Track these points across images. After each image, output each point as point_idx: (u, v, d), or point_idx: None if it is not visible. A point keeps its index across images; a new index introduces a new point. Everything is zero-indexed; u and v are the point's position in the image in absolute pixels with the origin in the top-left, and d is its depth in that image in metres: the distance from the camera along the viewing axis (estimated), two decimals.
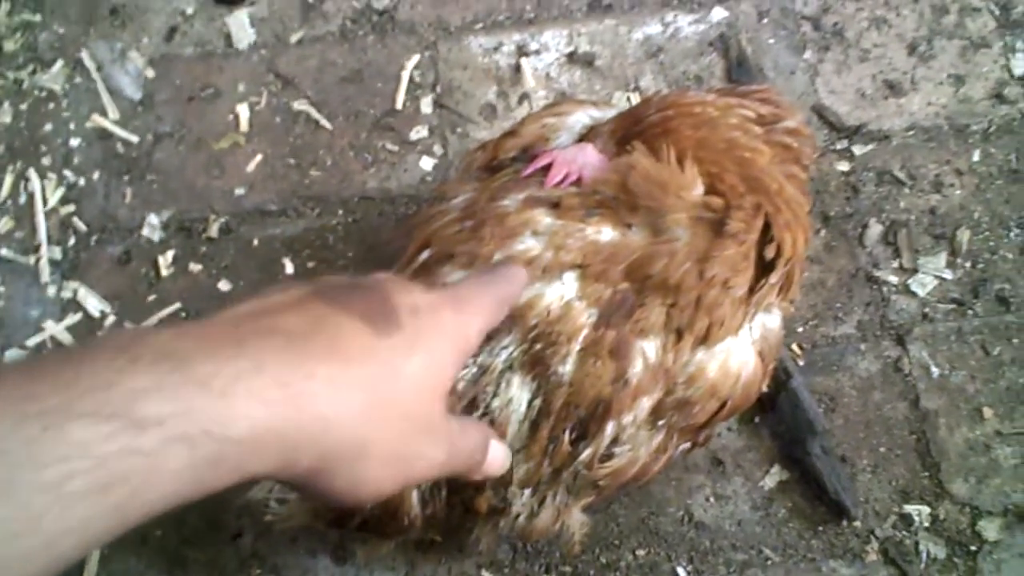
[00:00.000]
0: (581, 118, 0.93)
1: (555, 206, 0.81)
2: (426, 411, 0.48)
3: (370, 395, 0.44)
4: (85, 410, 0.34)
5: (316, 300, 0.46)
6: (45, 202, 1.26)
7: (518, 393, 0.80)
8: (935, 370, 1.20)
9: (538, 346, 0.79)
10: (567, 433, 0.82)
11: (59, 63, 1.32)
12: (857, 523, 1.13)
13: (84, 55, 1.32)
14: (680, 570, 1.11)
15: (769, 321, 0.90)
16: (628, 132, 0.86)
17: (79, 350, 0.38)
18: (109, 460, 0.34)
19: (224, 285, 1.22)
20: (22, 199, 1.26)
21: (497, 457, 0.59)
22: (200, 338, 0.40)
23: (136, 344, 0.38)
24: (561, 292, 0.79)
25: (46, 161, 1.27)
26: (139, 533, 1.11)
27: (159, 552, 1.11)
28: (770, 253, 0.83)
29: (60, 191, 1.26)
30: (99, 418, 0.34)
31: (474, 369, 0.80)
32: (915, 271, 1.25)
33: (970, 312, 1.23)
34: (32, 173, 1.27)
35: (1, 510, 0.32)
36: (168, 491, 0.37)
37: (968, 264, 1.25)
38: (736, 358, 0.86)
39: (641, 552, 1.11)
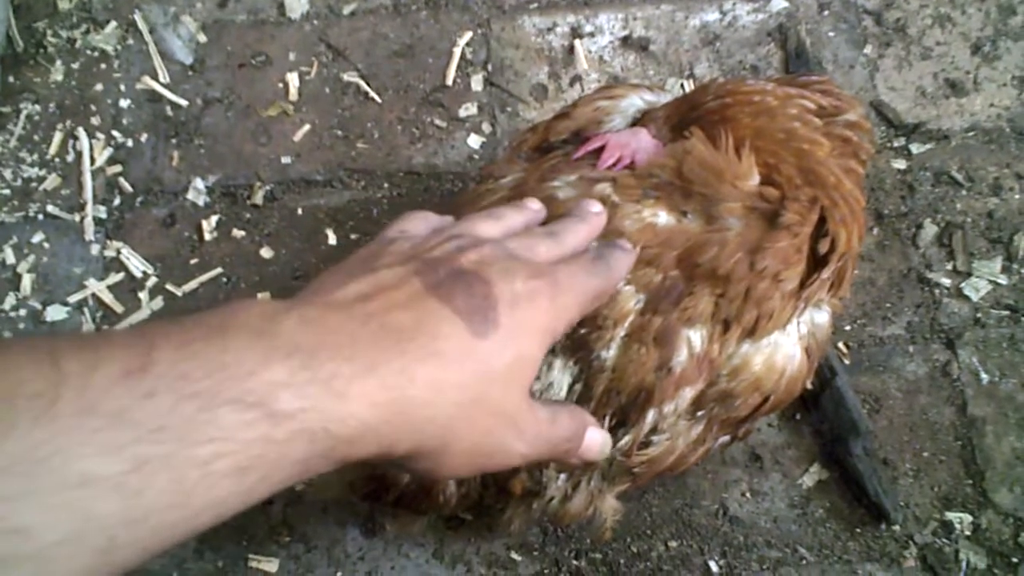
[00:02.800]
0: (635, 102, 0.92)
1: (612, 182, 0.80)
2: (512, 406, 0.51)
3: (464, 396, 0.47)
4: (232, 396, 0.38)
5: (420, 289, 0.49)
6: (92, 161, 1.26)
7: (559, 377, 0.79)
8: (984, 376, 1.17)
9: (583, 330, 0.78)
10: (607, 419, 0.81)
11: (112, 24, 1.32)
12: (896, 527, 1.10)
13: (137, 17, 1.32)
14: (712, 564, 1.09)
15: (818, 317, 0.88)
16: (684, 118, 0.85)
17: (220, 325, 0.42)
18: (249, 445, 0.38)
19: (266, 252, 1.22)
20: (70, 157, 1.27)
21: (595, 442, 0.61)
22: (323, 331, 0.44)
23: (270, 332, 0.42)
24: None
25: (95, 121, 1.28)
26: None
27: None
28: (823, 248, 0.81)
29: (108, 151, 1.27)
30: (243, 406, 0.38)
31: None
32: (969, 275, 1.21)
33: (1023, 319, 1.19)
34: (81, 132, 1.27)
35: (162, 479, 0.36)
36: (288, 476, 0.41)
37: (1023, 270, 1.22)
38: (782, 353, 0.84)
39: (673, 543, 1.10)
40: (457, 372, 0.47)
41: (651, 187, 0.79)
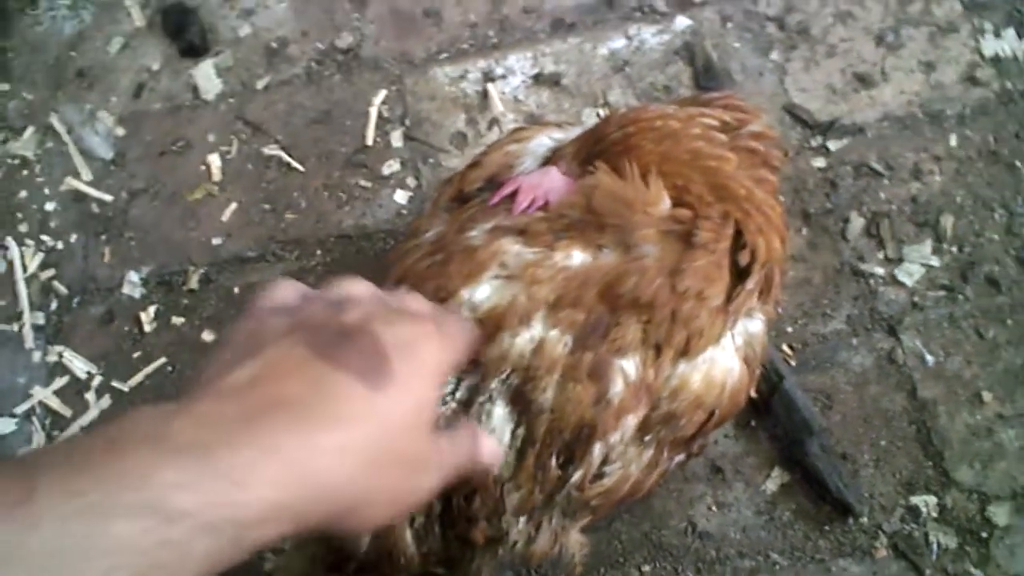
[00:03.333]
0: (544, 141, 0.93)
1: (522, 233, 0.81)
2: (417, 448, 0.52)
3: (370, 454, 0.47)
4: (124, 505, 0.38)
5: (311, 357, 0.49)
6: (25, 268, 1.26)
7: (500, 424, 0.79)
8: (930, 358, 1.19)
9: (516, 382, 0.78)
10: (554, 458, 0.81)
11: (30, 129, 1.33)
12: (863, 520, 1.11)
13: (54, 119, 1.33)
14: None
15: (752, 326, 0.89)
16: (591, 152, 0.86)
17: (110, 437, 0.41)
18: (147, 552, 0.37)
19: (208, 335, 1.22)
20: (2, 268, 1.26)
21: (489, 451, 0.62)
22: (217, 423, 0.44)
23: (161, 436, 0.41)
24: (531, 334, 0.78)
25: (23, 228, 1.28)
26: None
27: None
28: (744, 259, 0.82)
29: (39, 256, 1.27)
30: (138, 514, 0.38)
31: (454, 405, 0.79)
32: (901, 261, 1.24)
33: (961, 297, 1.22)
34: (10, 241, 1.27)
35: None
36: (195, 572, 0.39)
37: (954, 249, 1.24)
38: (720, 367, 0.85)
39: (647, 567, 1.10)
40: (362, 432, 0.48)
41: (563, 228, 0.80)
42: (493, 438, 0.66)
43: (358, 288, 0.60)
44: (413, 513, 0.83)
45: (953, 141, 1.30)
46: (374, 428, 0.48)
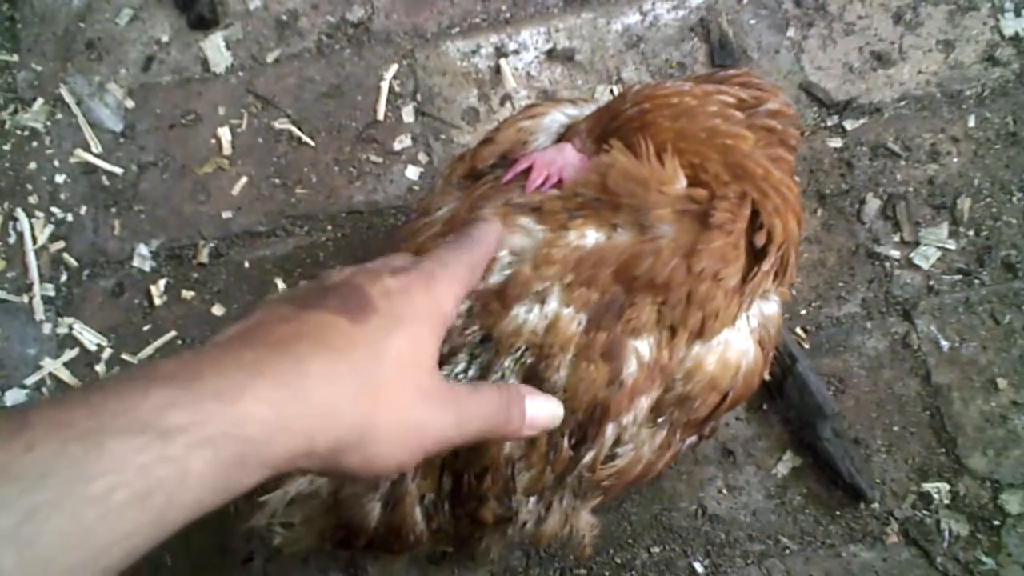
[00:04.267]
0: (557, 118, 0.92)
1: (536, 211, 0.80)
2: (418, 383, 0.52)
3: (362, 377, 0.49)
4: (118, 427, 0.38)
5: (295, 310, 0.51)
6: (35, 240, 1.25)
7: None
8: (945, 343, 1.18)
9: (530, 359, 0.78)
10: (566, 439, 0.80)
11: (39, 101, 1.31)
12: (875, 505, 1.11)
13: (63, 91, 1.32)
14: (697, 565, 1.09)
15: (767, 308, 0.88)
16: (606, 128, 0.85)
17: (101, 381, 0.44)
18: (145, 469, 0.38)
19: (217, 310, 1.22)
20: (12, 239, 1.26)
21: (541, 409, 0.63)
22: (203, 362, 0.44)
23: (150, 372, 0.43)
24: (545, 311, 0.77)
25: (33, 199, 1.27)
26: (151, 562, 1.11)
27: None
28: (760, 240, 0.81)
29: (49, 228, 1.26)
30: (131, 433, 0.38)
31: (465, 382, 0.79)
32: (917, 244, 1.22)
33: (977, 281, 1.20)
34: (20, 212, 1.26)
35: (56, 524, 0.35)
36: (200, 494, 0.40)
37: (971, 232, 1.23)
38: (734, 349, 0.84)
39: (656, 549, 1.10)
40: (349, 359, 0.49)
41: (576, 207, 0.79)
42: (550, 398, 0.64)
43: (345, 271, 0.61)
44: (423, 491, 0.82)
45: (971, 122, 1.28)
46: (361, 356, 0.49)
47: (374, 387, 0.49)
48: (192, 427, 0.40)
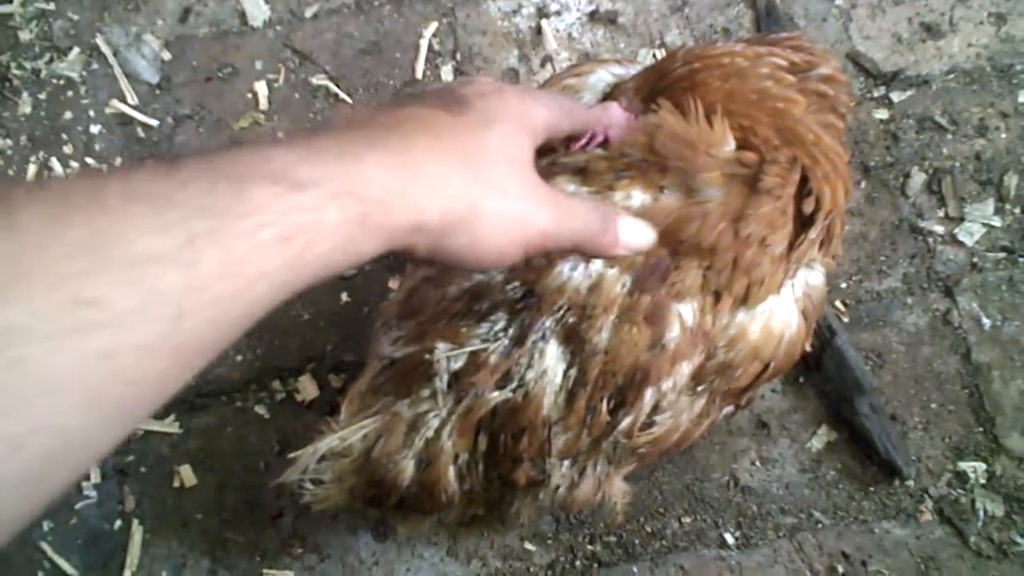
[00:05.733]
0: (604, 76, 0.90)
1: (580, 172, 0.78)
2: (519, 176, 0.55)
3: (464, 158, 0.52)
4: (258, 175, 0.42)
5: (396, 105, 0.54)
6: None
7: (553, 364, 0.78)
8: (986, 321, 1.15)
9: (571, 319, 0.76)
10: (605, 402, 0.79)
11: (75, 50, 1.31)
12: (910, 482, 1.09)
13: (100, 41, 1.31)
14: (728, 536, 1.08)
15: (812, 278, 0.86)
16: (654, 88, 0.83)
17: (229, 144, 0.47)
18: (285, 214, 0.41)
19: None
20: None
21: (633, 231, 0.66)
22: (320, 135, 0.48)
23: (272, 140, 0.46)
24: (590, 270, 0.76)
25: (67, 149, 1.26)
26: (180, 517, 1.11)
27: (200, 536, 1.11)
28: (808, 207, 0.79)
29: None
30: (270, 181, 0.41)
31: (506, 342, 0.78)
32: (962, 219, 1.20)
33: (1021, 259, 1.18)
34: (55, 162, 1.26)
35: (212, 252, 0.38)
36: (331, 246, 0.44)
37: (1017, 210, 1.20)
38: (779, 318, 0.83)
39: (687, 519, 1.09)
40: (449, 141, 0.52)
41: (623, 168, 0.77)
42: (643, 224, 0.68)
43: None
44: (457, 450, 0.82)
45: (1021, 97, 1.25)
46: (463, 141, 0.53)
47: (477, 171, 0.52)
48: (322, 182, 0.43)
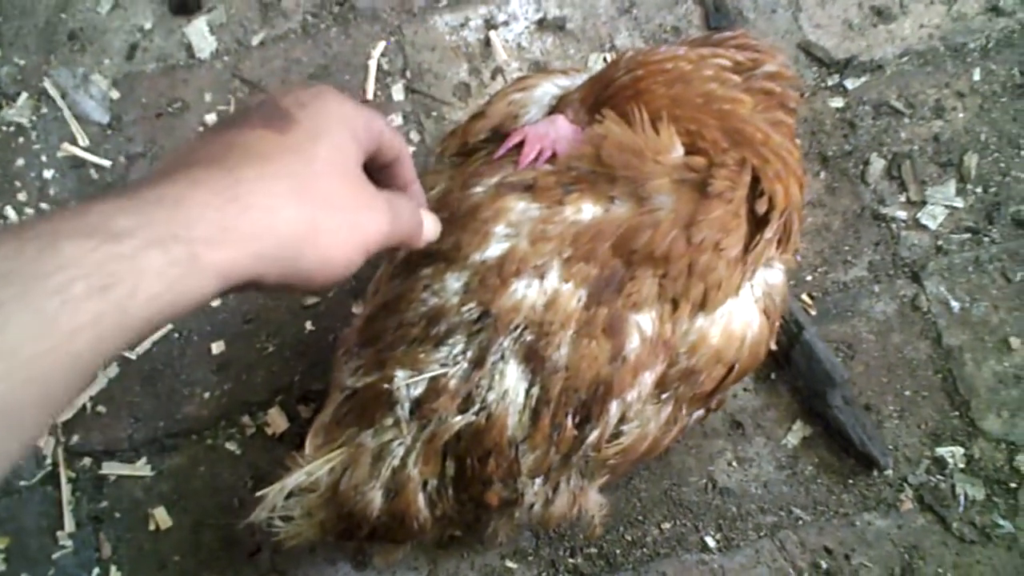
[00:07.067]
0: (549, 89, 0.89)
1: (529, 189, 0.78)
2: (351, 184, 0.56)
3: (295, 179, 0.51)
4: (70, 231, 0.41)
5: (221, 131, 0.54)
6: None
7: (514, 384, 0.77)
8: (955, 304, 1.15)
9: (529, 337, 0.76)
10: (570, 418, 0.79)
11: (23, 95, 1.29)
12: (888, 472, 1.09)
13: (47, 84, 1.29)
14: (709, 539, 1.07)
15: (771, 276, 0.86)
16: (598, 98, 0.82)
17: (52, 211, 0.46)
18: (100, 265, 0.41)
19: (214, 301, 1.19)
20: None
21: (430, 222, 0.68)
22: (140, 184, 0.47)
23: (90, 201, 0.45)
24: (545, 286, 0.75)
25: (22, 196, 1.25)
26: (158, 560, 1.10)
27: None
28: (762, 207, 0.79)
29: None
30: (82, 235, 0.41)
31: (465, 365, 0.77)
32: (924, 203, 1.19)
33: (986, 239, 1.18)
34: (9, 210, 1.24)
35: (22, 315, 0.38)
36: (160, 289, 0.43)
37: (979, 189, 1.20)
38: (739, 320, 0.83)
39: (667, 525, 1.08)
40: (279, 164, 0.51)
41: (571, 181, 0.77)
42: (430, 215, 0.69)
43: None
44: (425, 476, 0.81)
45: (976, 75, 1.24)
46: (292, 160, 0.52)
47: (310, 189, 0.52)
48: (139, 229, 0.43)
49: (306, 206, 0.51)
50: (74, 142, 1.27)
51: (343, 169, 0.55)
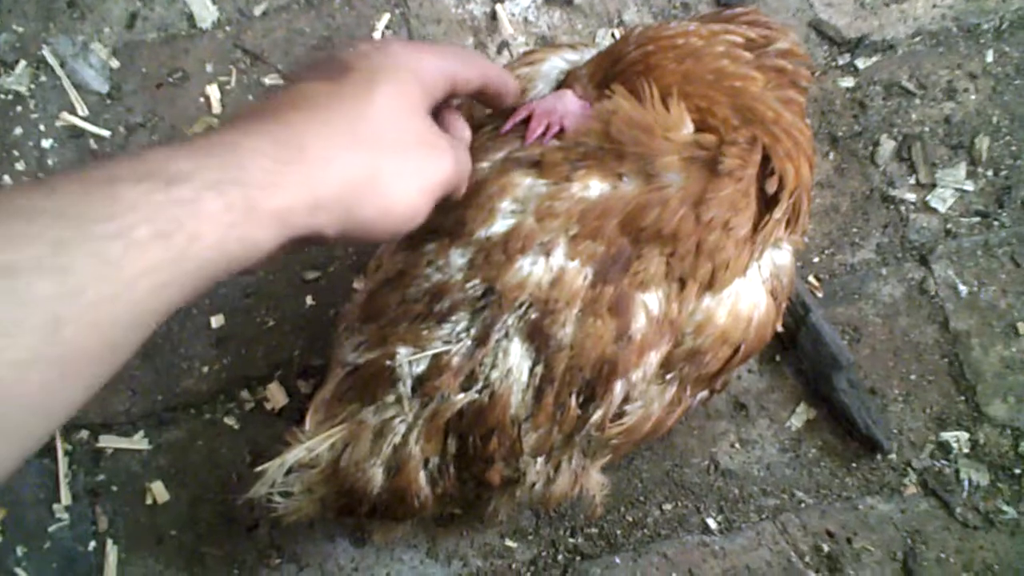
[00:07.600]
0: (557, 64, 0.88)
1: (536, 165, 0.76)
2: (412, 127, 0.55)
3: (352, 124, 0.51)
4: (129, 176, 0.41)
5: (281, 90, 0.54)
6: None
7: (517, 362, 0.76)
8: (963, 288, 1.14)
9: (534, 315, 0.75)
10: (574, 397, 0.78)
11: (22, 63, 1.27)
12: (892, 456, 1.08)
13: (46, 52, 1.27)
14: (710, 521, 1.07)
15: (779, 257, 0.85)
16: (608, 73, 0.81)
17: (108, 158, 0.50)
18: (162, 208, 0.40)
19: None
20: None
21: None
22: (194, 138, 0.47)
23: (151, 147, 0.46)
24: (551, 264, 0.74)
25: (20, 166, 1.23)
26: (155, 534, 1.09)
27: (176, 551, 1.09)
28: (772, 187, 0.78)
29: None
30: (141, 180, 0.41)
31: (468, 342, 0.76)
32: (934, 186, 1.18)
33: (996, 223, 1.16)
34: (7, 179, 1.22)
35: (87, 259, 0.37)
36: (220, 236, 0.42)
37: (990, 173, 1.18)
38: (746, 300, 0.82)
39: (668, 506, 1.08)
40: (333, 112, 0.51)
41: (579, 157, 0.75)
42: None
43: None
44: (427, 454, 0.80)
45: (989, 57, 1.23)
46: (348, 107, 0.52)
47: (368, 134, 0.51)
48: (196, 173, 0.42)
49: (363, 152, 0.50)
50: (73, 111, 1.25)
51: (404, 113, 0.54)
